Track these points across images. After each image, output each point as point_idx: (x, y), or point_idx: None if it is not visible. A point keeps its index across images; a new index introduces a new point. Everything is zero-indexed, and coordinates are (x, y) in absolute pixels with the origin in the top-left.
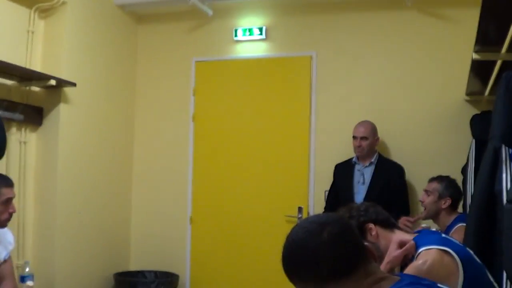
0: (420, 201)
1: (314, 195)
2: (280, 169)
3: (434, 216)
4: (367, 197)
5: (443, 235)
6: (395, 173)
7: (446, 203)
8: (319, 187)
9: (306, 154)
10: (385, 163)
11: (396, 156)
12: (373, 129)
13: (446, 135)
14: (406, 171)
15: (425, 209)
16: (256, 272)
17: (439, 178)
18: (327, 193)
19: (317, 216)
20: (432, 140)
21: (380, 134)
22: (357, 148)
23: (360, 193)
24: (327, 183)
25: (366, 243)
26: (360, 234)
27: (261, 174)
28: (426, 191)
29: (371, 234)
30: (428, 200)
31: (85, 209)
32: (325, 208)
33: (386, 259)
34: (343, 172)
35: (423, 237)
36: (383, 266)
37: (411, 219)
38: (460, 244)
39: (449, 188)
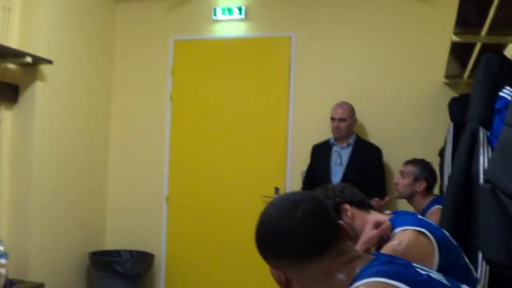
0: (395, 183)
1: (291, 175)
2: (257, 149)
3: (408, 197)
4: (344, 179)
5: (419, 216)
6: (372, 155)
7: (421, 186)
8: (296, 167)
9: (283, 135)
10: (363, 144)
11: (373, 137)
12: (351, 111)
13: (424, 118)
14: (383, 153)
15: (398, 190)
16: (231, 251)
17: (415, 161)
18: (304, 173)
19: (292, 194)
20: (410, 122)
21: (358, 115)
22: (335, 129)
23: (337, 174)
24: (304, 163)
25: (341, 223)
26: (335, 215)
27: (238, 154)
28: (402, 172)
29: (346, 215)
30: (403, 182)
31: (60, 188)
32: (301, 188)
33: (362, 239)
34: (321, 153)
35: (399, 218)
36: (358, 246)
37: (381, 201)
38: (436, 226)
39: (424, 171)
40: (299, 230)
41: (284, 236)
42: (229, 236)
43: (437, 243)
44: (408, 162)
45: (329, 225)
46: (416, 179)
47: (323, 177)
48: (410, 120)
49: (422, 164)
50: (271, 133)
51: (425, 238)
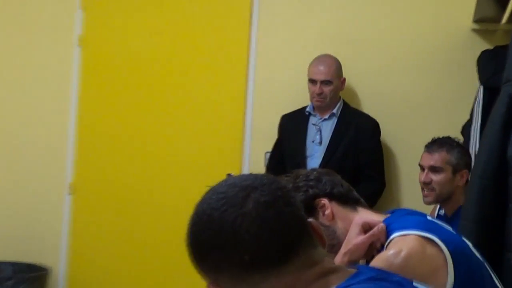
0: (425, 182)
1: (251, 158)
2: (204, 122)
3: (446, 199)
4: (324, 163)
5: (429, 217)
6: (365, 131)
7: (463, 177)
8: (258, 147)
9: (240, 103)
10: (353, 115)
11: (368, 106)
12: (338, 69)
13: (442, 79)
14: (382, 128)
15: (433, 190)
16: (162, 261)
17: (446, 145)
18: (268, 156)
19: (240, 177)
20: (421, 86)
21: (345, 74)
22: (316, 96)
23: (315, 156)
24: (269, 142)
25: (312, 221)
26: (307, 213)
27: (176, 128)
28: (430, 167)
29: (323, 214)
30: (440, 179)
31: None
32: None
33: (344, 247)
34: (293, 127)
35: (398, 219)
36: (339, 258)
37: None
38: (452, 231)
39: (463, 155)
40: (249, 230)
41: (227, 237)
42: (160, 240)
43: (452, 255)
44: (435, 147)
45: (294, 224)
46: (455, 170)
47: (295, 160)
48: (422, 82)
49: (458, 148)
50: (223, 101)
51: (435, 247)
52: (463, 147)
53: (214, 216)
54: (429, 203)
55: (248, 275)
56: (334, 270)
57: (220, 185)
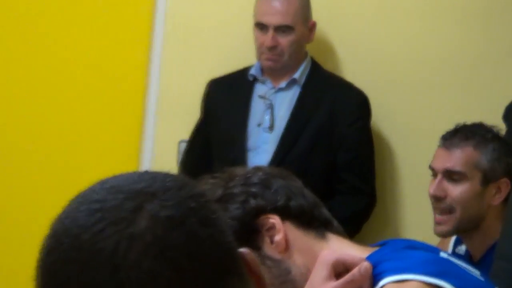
0: (437, 197)
1: (154, 150)
2: (81, 94)
3: (470, 228)
4: (277, 160)
5: (443, 253)
6: (347, 110)
7: (501, 192)
8: (167, 133)
9: (141, 65)
10: (326, 85)
11: (353, 71)
12: (303, 7)
13: (473, 30)
14: (373, 108)
15: (451, 212)
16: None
17: (475, 136)
18: (186, 146)
19: (129, 177)
20: (438, 41)
21: (316, 16)
22: (267, 51)
23: (262, 149)
24: (184, 125)
25: (246, 253)
26: (243, 238)
27: (37, 105)
28: (448, 172)
29: (271, 240)
30: (461, 192)
31: None
32: None
33: None
34: (226, 101)
35: (393, 255)
36: None
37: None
38: (480, 277)
39: (502, 156)
40: (140, 264)
41: (102, 276)
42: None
43: None
44: (457, 140)
45: (214, 257)
46: (487, 179)
47: (229, 155)
48: (440, 35)
49: (493, 141)
50: (115, 64)
51: None
52: (504, 142)
53: (82, 240)
54: (444, 234)
55: None
56: None
57: (93, 189)
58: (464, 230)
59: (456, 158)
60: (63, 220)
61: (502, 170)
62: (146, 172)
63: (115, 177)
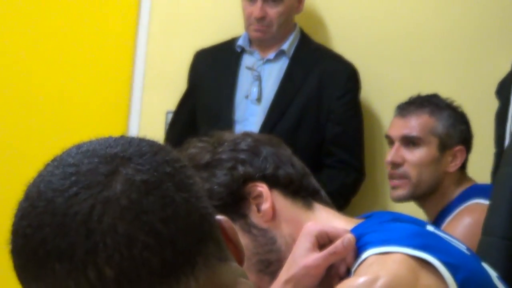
0: (394, 162)
1: (142, 121)
2: (62, 64)
3: (427, 193)
4: (265, 131)
5: (429, 226)
6: (336, 82)
7: (456, 158)
8: (154, 103)
9: (129, 36)
10: (315, 56)
11: (343, 42)
12: None
13: (464, 2)
14: (362, 80)
15: (406, 178)
16: None
17: (430, 105)
18: (172, 117)
19: (104, 141)
20: (427, 11)
21: None
22: (255, 22)
23: (249, 122)
24: (172, 95)
25: (223, 220)
26: (230, 205)
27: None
28: (405, 138)
29: (258, 208)
30: (418, 157)
31: None
32: None
33: (286, 271)
34: (213, 72)
35: (376, 227)
36: (277, 286)
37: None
38: (466, 251)
39: (457, 123)
40: (115, 228)
41: (76, 240)
42: None
43: (459, 284)
44: (413, 108)
45: (190, 222)
46: (443, 145)
47: (215, 127)
48: (432, 8)
49: (448, 109)
50: (99, 33)
51: (433, 275)
52: (458, 111)
53: (57, 203)
54: (400, 198)
55: None
56: None
57: (68, 153)
58: (419, 196)
59: (413, 124)
60: (37, 184)
61: (457, 137)
62: (122, 137)
63: (90, 142)
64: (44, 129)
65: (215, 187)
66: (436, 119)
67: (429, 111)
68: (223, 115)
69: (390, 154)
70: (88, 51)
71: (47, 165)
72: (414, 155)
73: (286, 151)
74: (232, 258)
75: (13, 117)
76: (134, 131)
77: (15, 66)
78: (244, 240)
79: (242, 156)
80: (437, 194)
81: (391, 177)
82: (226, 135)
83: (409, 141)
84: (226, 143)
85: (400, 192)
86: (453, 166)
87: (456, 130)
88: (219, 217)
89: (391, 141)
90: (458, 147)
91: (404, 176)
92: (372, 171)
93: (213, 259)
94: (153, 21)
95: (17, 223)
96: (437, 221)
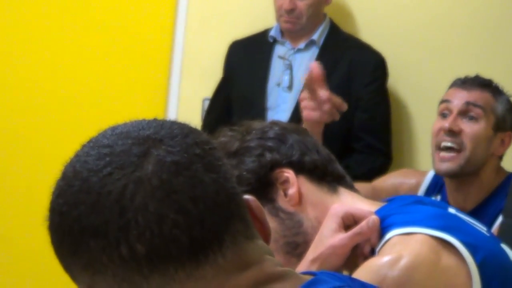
0: (452, 131)
1: (180, 107)
2: (103, 55)
3: (472, 173)
4: (295, 118)
5: (451, 209)
6: (364, 71)
7: (504, 144)
8: (192, 91)
9: (167, 26)
10: (344, 46)
11: (371, 32)
12: None
13: None
14: (390, 69)
15: (461, 151)
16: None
17: (491, 86)
18: (208, 104)
19: (137, 124)
20: (455, 1)
21: None
22: (285, 14)
23: (281, 108)
24: (208, 83)
25: (250, 199)
26: (259, 190)
27: (58, 67)
28: (468, 105)
29: (285, 193)
30: (476, 130)
31: None
32: None
33: (313, 251)
34: (247, 61)
35: (400, 209)
36: (305, 265)
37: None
38: (486, 233)
39: (510, 110)
40: (146, 206)
41: (110, 217)
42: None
43: (479, 268)
44: (475, 85)
45: (218, 202)
46: (498, 126)
47: (249, 113)
48: None
49: (505, 95)
50: (141, 21)
51: (454, 256)
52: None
53: (91, 183)
54: (448, 172)
55: (142, 277)
56: (278, 276)
57: (104, 134)
58: (467, 173)
59: (478, 96)
60: (74, 164)
61: (509, 123)
62: (154, 120)
63: (125, 124)
64: (87, 117)
65: (244, 173)
66: (496, 100)
67: (491, 91)
68: (256, 102)
69: (448, 121)
70: (129, 42)
71: (83, 145)
72: (473, 128)
73: (312, 139)
74: (258, 236)
75: (58, 104)
76: (172, 117)
77: (62, 55)
78: (272, 223)
79: (269, 143)
80: (481, 177)
81: (442, 148)
82: (255, 124)
83: (470, 112)
84: (254, 132)
85: (450, 165)
86: (501, 150)
87: (510, 116)
88: (246, 196)
89: (447, 108)
90: (508, 133)
91: (459, 146)
92: (399, 156)
93: (240, 237)
94: (191, 14)
95: (54, 201)
96: (477, 211)
